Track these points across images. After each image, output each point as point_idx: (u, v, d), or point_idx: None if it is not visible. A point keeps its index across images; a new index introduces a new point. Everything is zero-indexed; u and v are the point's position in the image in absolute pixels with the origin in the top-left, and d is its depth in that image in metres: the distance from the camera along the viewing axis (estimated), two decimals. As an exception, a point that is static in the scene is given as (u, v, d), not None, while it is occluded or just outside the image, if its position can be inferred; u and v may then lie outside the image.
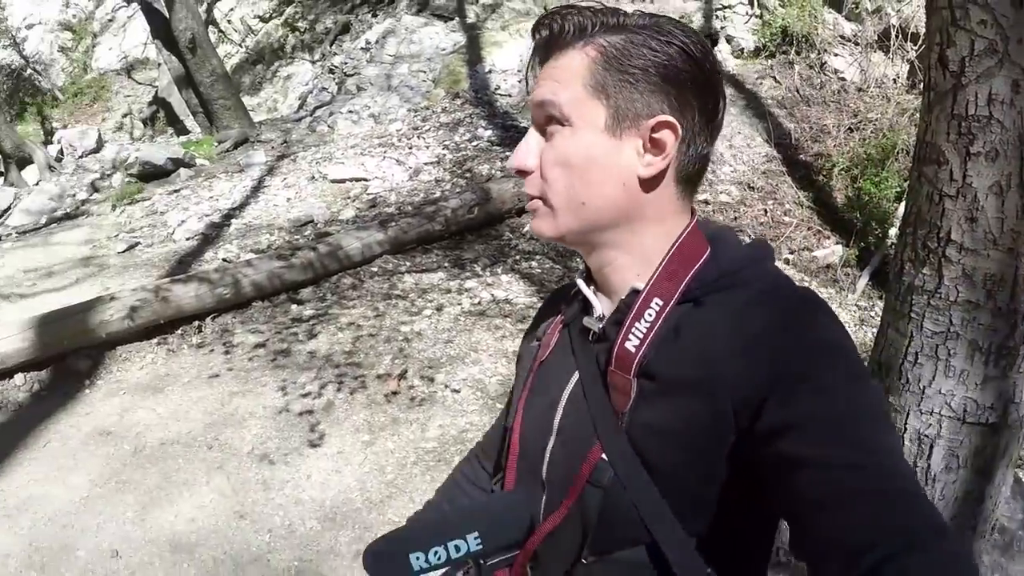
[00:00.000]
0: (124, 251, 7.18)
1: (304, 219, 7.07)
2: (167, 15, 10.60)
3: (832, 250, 6.36)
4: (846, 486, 0.72)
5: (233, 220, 7.45)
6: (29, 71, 15.93)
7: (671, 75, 0.89)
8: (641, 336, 0.90)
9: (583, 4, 0.95)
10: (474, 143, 8.16)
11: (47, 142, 12.21)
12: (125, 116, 14.13)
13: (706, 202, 6.76)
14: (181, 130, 12.66)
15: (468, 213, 6.43)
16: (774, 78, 8.53)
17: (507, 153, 7.62)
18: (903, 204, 4.76)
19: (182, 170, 9.25)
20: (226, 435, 4.14)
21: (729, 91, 7.96)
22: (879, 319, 2.81)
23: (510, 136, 8.08)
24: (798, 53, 8.65)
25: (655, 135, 0.89)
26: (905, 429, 2.19)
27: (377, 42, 10.35)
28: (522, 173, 0.96)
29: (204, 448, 4.04)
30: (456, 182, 7.40)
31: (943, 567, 0.66)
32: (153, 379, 4.79)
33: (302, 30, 12.80)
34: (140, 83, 15.13)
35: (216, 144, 10.31)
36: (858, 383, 0.80)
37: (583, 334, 1.02)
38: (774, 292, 0.89)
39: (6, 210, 9.27)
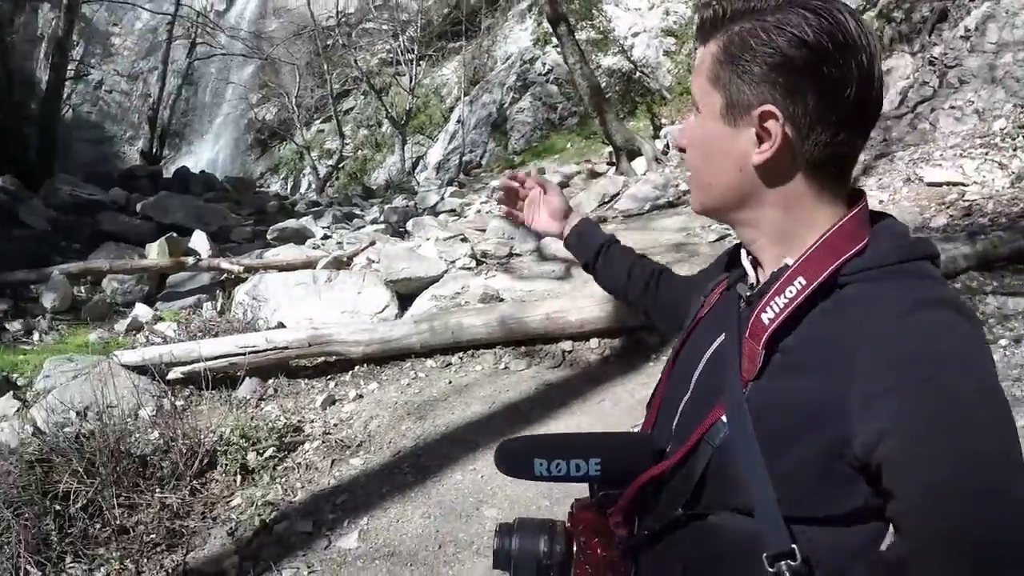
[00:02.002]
0: (714, 241, 7.48)
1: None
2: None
3: None
4: (954, 494, 0.72)
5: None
6: (638, 74, 17.81)
7: (778, 64, 0.89)
8: (777, 310, 0.91)
9: None
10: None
11: (655, 137, 13.48)
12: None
13: None
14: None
15: (1074, 231, 5.50)
16: None
17: None
18: None
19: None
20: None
21: None
22: None
23: None
24: None
25: (764, 124, 0.92)
26: None
27: (977, 28, 9.24)
28: (682, 150, 1.07)
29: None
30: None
31: None
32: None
33: (898, 20, 12.28)
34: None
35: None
36: (985, 394, 0.78)
37: (737, 299, 1.06)
38: (922, 293, 0.86)
39: (615, 195, 10.66)
